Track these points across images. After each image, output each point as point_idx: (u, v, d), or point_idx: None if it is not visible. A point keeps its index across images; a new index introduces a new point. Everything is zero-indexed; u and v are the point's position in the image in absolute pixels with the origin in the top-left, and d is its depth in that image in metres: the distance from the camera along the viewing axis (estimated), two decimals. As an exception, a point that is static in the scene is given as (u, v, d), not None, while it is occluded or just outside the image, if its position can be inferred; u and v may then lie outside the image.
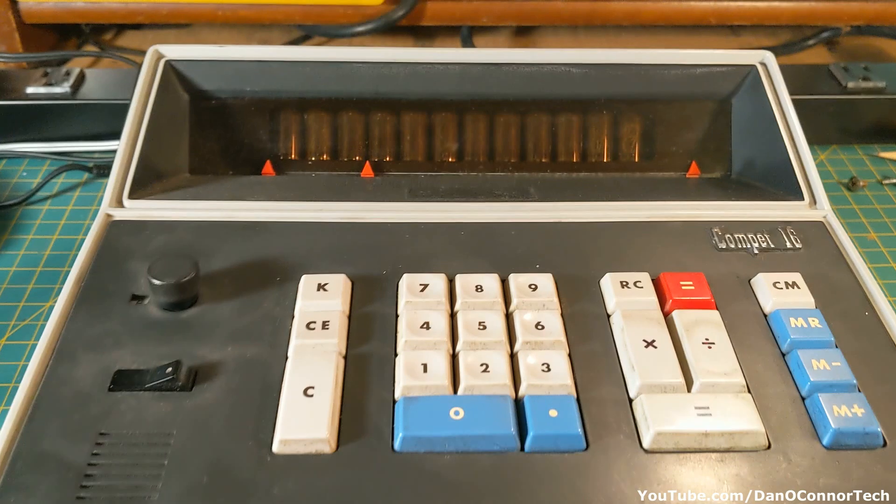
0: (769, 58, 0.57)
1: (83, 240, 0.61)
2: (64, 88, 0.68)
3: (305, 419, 0.38)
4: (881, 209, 0.68)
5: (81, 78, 0.70)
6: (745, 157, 0.56)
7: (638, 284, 0.45)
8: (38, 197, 0.65)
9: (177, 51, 0.56)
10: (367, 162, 0.56)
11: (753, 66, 0.57)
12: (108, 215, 0.49)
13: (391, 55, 0.56)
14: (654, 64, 0.57)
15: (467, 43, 0.83)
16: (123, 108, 0.61)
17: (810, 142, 0.73)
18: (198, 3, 0.77)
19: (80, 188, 0.67)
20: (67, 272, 0.57)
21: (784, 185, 0.53)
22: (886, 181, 0.70)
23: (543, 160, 0.57)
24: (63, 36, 0.85)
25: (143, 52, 0.82)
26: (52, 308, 0.55)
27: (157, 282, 0.43)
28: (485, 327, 0.42)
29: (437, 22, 0.80)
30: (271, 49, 0.56)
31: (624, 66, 0.57)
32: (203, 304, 0.44)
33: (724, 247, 0.49)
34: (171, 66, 0.56)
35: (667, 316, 0.44)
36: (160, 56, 0.56)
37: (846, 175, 0.71)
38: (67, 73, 0.70)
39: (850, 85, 0.71)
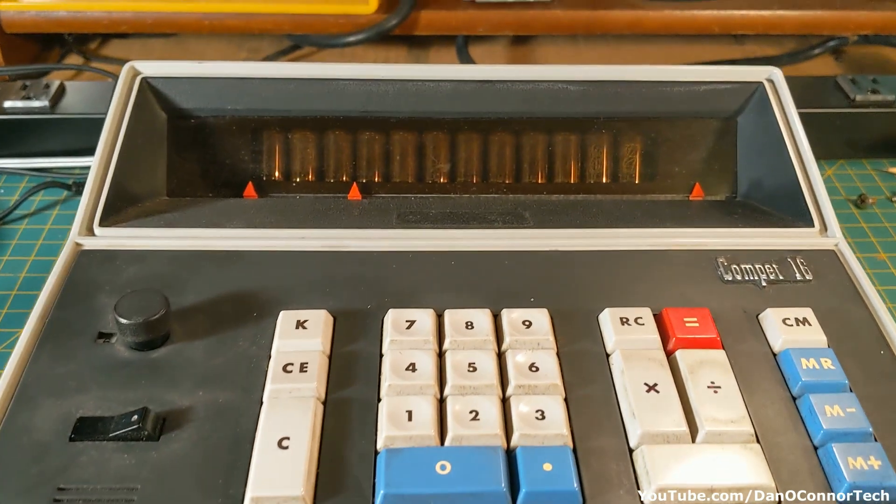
0: (776, 74, 0.54)
1: (61, 262, 0.59)
2: (42, 102, 0.65)
3: (279, 474, 0.35)
4: (891, 227, 0.65)
5: (61, 91, 0.67)
6: (752, 178, 0.53)
7: (639, 321, 0.42)
8: (16, 215, 0.63)
9: (154, 67, 0.53)
10: (355, 183, 0.53)
11: (760, 83, 0.54)
12: (77, 244, 0.46)
13: (380, 72, 0.53)
14: (656, 81, 0.54)
15: (463, 53, 0.80)
16: (103, 123, 0.59)
17: (817, 156, 0.70)
18: (183, 11, 0.75)
19: (58, 206, 0.64)
20: (44, 296, 0.55)
21: (793, 210, 0.50)
22: (896, 198, 0.67)
23: (539, 181, 0.54)
24: (46, 45, 0.82)
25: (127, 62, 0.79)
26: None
27: (124, 320, 0.39)
28: (475, 369, 0.39)
29: (432, 31, 0.77)
30: (253, 65, 0.53)
31: (624, 83, 0.54)
32: (174, 343, 0.41)
33: (730, 278, 0.45)
34: (147, 84, 0.52)
35: (670, 355, 0.41)
36: (136, 73, 0.53)
37: (854, 191, 0.68)
38: (47, 87, 0.67)
39: (859, 98, 0.68)
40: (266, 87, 0.53)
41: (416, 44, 0.84)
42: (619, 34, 0.82)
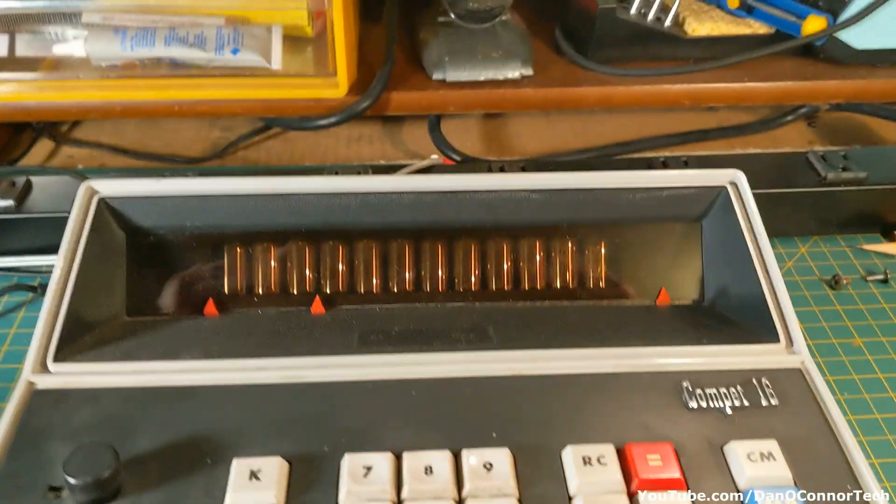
0: (740, 177, 0.53)
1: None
2: (7, 202, 0.64)
3: None
4: (866, 310, 0.64)
5: (28, 189, 0.65)
6: (718, 284, 0.52)
7: (602, 460, 0.41)
8: (-20, 319, 0.61)
9: (111, 186, 0.51)
10: (318, 296, 0.52)
11: (723, 188, 0.53)
12: (31, 383, 0.45)
13: (342, 184, 0.52)
14: (618, 188, 0.52)
15: (435, 130, 0.79)
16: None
17: (790, 234, 0.69)
18: (152, 99, 0.73)
19: (24, 308, 0.63)
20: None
21: (758, 322, 0.49)
22: (871, 277, 0.66)
23: (505, 288, 0.53)
24: (17, 130, 0.81)
25: (99, 146, 0.78)
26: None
27: (73, 480, 0.38)
28: (433, 523, 0.38)
29: (404, 111, 0.76)
30: (213, 181, 0.52)
31: (586, 191, 0.52)
32: (125, 497, 0.40)
33: (694, 406, 0.44)
34: (105, 203, 0.51)
35: (632, 496, 0.40)
36: (93, 192, 0.51)
37: (828, 270, 0.67)
38: (13, 184, 0.66)
39: (830, 176, 0.67)
40: (226, 203, 0.52)
41: (390, 119, 0.83)
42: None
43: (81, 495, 0.39)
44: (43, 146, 0.79)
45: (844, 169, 0.68)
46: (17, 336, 0.60)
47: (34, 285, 0.63)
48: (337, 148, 0.81)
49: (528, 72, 0.76)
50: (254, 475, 0.40)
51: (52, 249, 0.62)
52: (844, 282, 0.65)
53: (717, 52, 0.77)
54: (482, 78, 0.75)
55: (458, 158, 0.77)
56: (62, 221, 0.61)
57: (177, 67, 0.73)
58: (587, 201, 0.52)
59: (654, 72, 0.76)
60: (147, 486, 0.40)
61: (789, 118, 0.82)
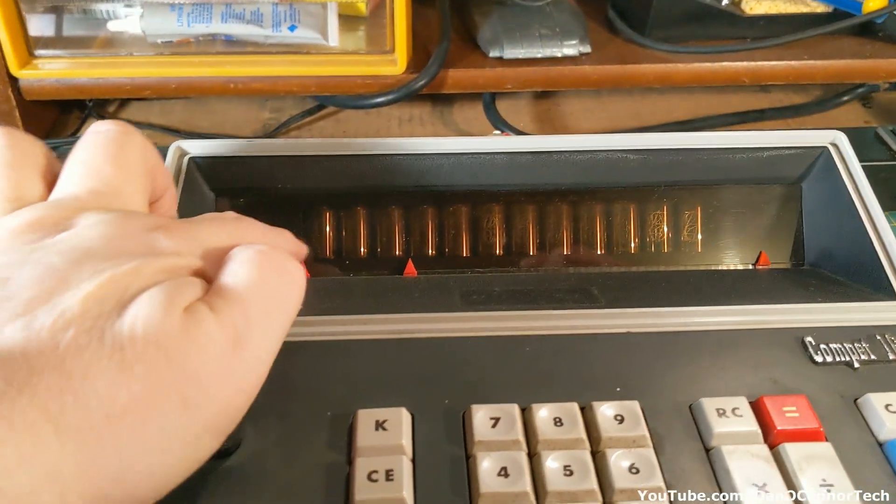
0: (841, 138, 0.52)
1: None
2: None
3: None
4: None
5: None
6: (820, 246, 0.51)
7: (737, 412, 0.39)
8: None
9: (200, 146, 0.50)
10: (410, 259, 0.51)
11: (825, 148, 0.52)
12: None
13: (433, 145, 0.50)
14: (717, 148, 0.51)
15: (490, 109, 0.78)
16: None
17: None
18: (208, 76, 0.72)
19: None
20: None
21: (871, 281, 0.47)
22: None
23: (600, 253, 0.51)
24: (65, 110, 0.79)
25: (149, 126, 0.77)
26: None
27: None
28: (571, 473, 0.37)
29: (460, 90, 0.75)
30: (301, 143, 0.50)
31: (684, 150, 0.51)
32: (248, 449, 0.38)
33: (821, 360, 0.43)
34: (194, 164, 0.50)
35: (772, 448, 0.38)
36: (183, 153, 0.50)
37: (902, 246, 0.66)
38: (72, 157, 0.64)
39: (903, 150, 0.66)
40: (315, 164, 0.50)
41: (441, 100, 0.81)
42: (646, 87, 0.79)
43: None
44: (91, 126, 0.78)
45: (916, 143, 0.67)
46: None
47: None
48: (389, 129, 0.79)
49: (586, 49, 0.75)
50: (380, 426, 0.38)
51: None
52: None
53: (774, 30, 0.77)
54: (540, 55, 0.74)
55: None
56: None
57: (232, 45, 0.73)
58: (685, 162, 0.51)
59: (714, 49, 0.76)
60: (269, 439, 0.38)
61: (846, 98, 0.81)
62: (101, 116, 0.79)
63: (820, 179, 0.52)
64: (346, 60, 0.73)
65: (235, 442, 0.38)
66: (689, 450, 0.38)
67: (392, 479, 0.36)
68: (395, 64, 0.72)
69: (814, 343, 0.44)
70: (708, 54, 0.76)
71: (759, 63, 0.76)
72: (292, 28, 0.72)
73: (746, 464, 0.37)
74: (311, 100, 0.79)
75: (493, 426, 0.38)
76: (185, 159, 0.50)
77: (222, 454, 0.37)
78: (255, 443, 0.38)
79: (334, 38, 0.73)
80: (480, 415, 0.39)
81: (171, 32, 0.72)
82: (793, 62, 0.76)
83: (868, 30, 0.79)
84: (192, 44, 0.73)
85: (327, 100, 0.78)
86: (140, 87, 0.73)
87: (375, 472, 0.36)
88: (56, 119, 0.78)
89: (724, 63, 0.76)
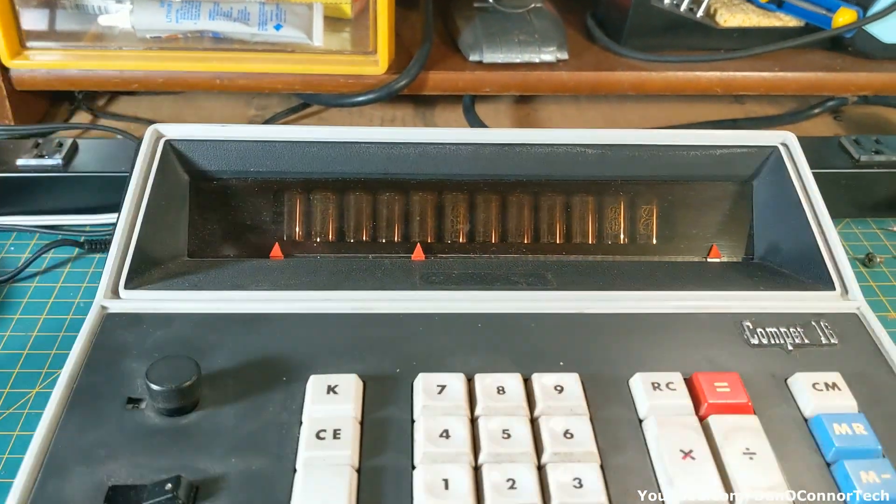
0: (790, 138, 0.55)
1: (73, 320, 0.58)
2: (55, 160, 0.65)
3: (318, 544, 0.34)
4: (900, 287, 0.65)
5: (74, 149, 0.66)
6: (769, 241, 0.53)
7: (670, 386, 0.42)
8: (27, 273, 0.62)
9: (176, 130, 0.53)
10: (375, 244, 0.53)
11: (775, 147, 0.54)
12: (103, 307, 0.46)
13: (401, 135, 0.53)
14: (672, 145, 0.54)
15: (470, 112, 0.81)
16: (116, 181, 0.58)
17: (822, 216, 0.71)
18: (195, 71, 0.74)
19: (70, 264, 0.63)
20: (56, 355, 0.54)
21: (812, 273, 0.50)
22: (903, 257, 0.67)
23: (558, 242, 0.54)
24: (55, 102, 0.82)
25: (137, 120, 0.79)
26: (38, 395, 0.51)
27: (156, 387, 0.39)
28: (509, 436, 0.39)
29: (440, 91, 0.77)
30: (276, 129, 0.53)
31: (641, 146, 0.54)
32: (204, 409, 0.40)
33: (756, 342, 0.45)
34: (170, 146, 0.52)
35: (702, 420, 0.41)
36: (160, 135, 0.53)
37: (861, 250, 0.68)
38: (60, 144, 0.66)
39: (863, 158, 0.69)
40: (288, 150, 0.53)
41: (423, 102, 0.84)
42: (622, 94, 0.82)
43: (163, 403, 0.39)
44: (80, 119, 0.80)
45: (877, 152, 0.69)
46: (62, 289, 0.61)
47: (80, 241, 0.63)
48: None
49: (564, 55, 0.78)
50: (331, 389, 0.41)
51: (98, 209, 0.64)
52: (878, 260, 0.66)
53: (747, 42, 0.80)
54: (518, 60, 0.77)
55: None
56: (108, 181, 0.63)
57: (219, 41, 0.75)
58: (641, 158, 0.53)
59: (688, 59, 0.78)
60: (225, 400, 0.41)
61: (817, 111, 0.84)
62: (91, 109, 0.81)
63: (770, 177, 0.54)
64: (329, 60, 0.76)
65: (192, 401, 0.40)
66: (624, 419, 0.41)
67: (339, 438, 0.38)
68: (377, 64, 0.75)
69: (751, 327, 0.46)
70: (681, 63, 0.78)
71: (732, 74, 0.79)
72: (278, 27, 0.75)
73: (675, 432, 0.39)
74: (296, 98, 0.82)
75: (440, 393, 0.41)
76: (161, 142, 0.52)
77: (179, 411, 0.40)
78: (212, 402, 0.41)
79: (319, 38, 0.75)
80: (427, 382, 0.41)
81: (160, 28, 0.75)
82: (764, 73, 0.79)
83: (838, 44, 0.82)
84: (180, 40, 0.76)
85: (311, 98, 0.80)
86: (128, 80, 0.75)
87: (323, 430, 0.39)
88: (46, 111, 0.81)
89: (698, 73, 0.79)
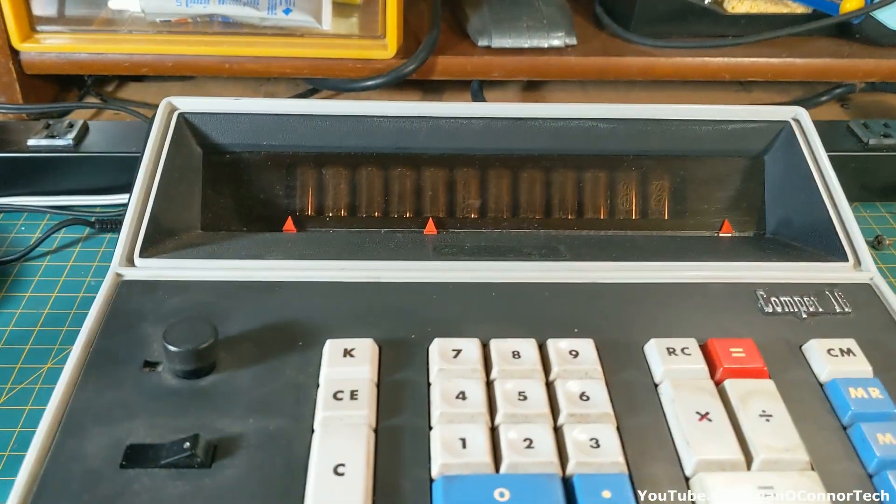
0: (802, 114, 0.55)
1: (84, 298, 0.58)
2: (66, 141, 0.65)
3: (338, 499, 0.34)
4: (910, 268, 0.65)
5: (85, 130, 0.66)
6: (780, 215, 0.53)
7: (686, 351, 0.42)
8: (37, 253, 0.62)
9: (190, 103, 0.53)
10: (389, 217, 0.53)
11: (787, 123, 0.54)
12: (118, 275, 0.46)
13: (412, 109, 0.53)
14: (684, 120, 0.54)
15: (478, 97, 0.81)
16: (127, 162, 0.58)
17: (831, 199, 0.71)
18: (204, 55, 0.75)
19: (80, 244, 0.63)
20: (67, 332, 0.54)
21: (825, 246, 0.50)
22: (913, 240, 0.67)
23: (570, 217, 0.54)
24: (64, 87, 0.82)
25: (146, 105, 0.79)
26: (50, 370, 0.51)
27: (173, 348, 0.39)
28: (525, 398, 0.39)
29: (448, 76, 0.78)
30: (288, 102, 0.53)
31: (653, 121, 0.54)
32: (221, 372, 0.41)
33: (770, 311, 0.45)
34: (184, 119, 0.52)
35: (718, 385, 0.41)
36: (173, 108, 0.53)
37: (870, 233, 0.68)
38: (70, 126, 0.67)
39: (872, 142, 0.69)
40: (301, 124, 0.53)
41: (431, 88, 0.84)
42: (629, 80, 0.82)
43: (180, 364, 0.39)
44: (92, 102, 0.80)
45: (885, 136, 0.69)
46: (73, 269, 0.61)
47: (91, 221, 0.64)
48: (379, 115, 0.82)
49: (572, 41, 0.78)
50: (347, 353, 0.41)
51: (109, 190, 0.64)
52: (887, 242, 0.67)
53: (755, 29, 0.80)
54: (526, 45, 0.77)
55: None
56: (119, 161, 0.63)
57: (229, 25, 0.75)
58: (654, 132, 0.54)
59: (696, 44, 0.78)
60: (242, 363, 0.41)
61: (824, 98, 0.84)
62: (100, 95, 0.81)
63: (782, 152, 0.54)
64: (338, 44, 0.76)
65: (209, 363, 0.40)
66: (639, 384, 0.41)
67: (356, 399, 0.38)
68: (385, 49, 0.75)
69: (765, 296, 0.46)
70: (689, 49, 0.79)
71: (739, 59, 0.79)
72: (287, 11, 0.75)
73: (691, 395, 0.39)
74: (304, 83, 0.82)
75: (455, 356, 0.41)
76: (175, 115, 0.52)
77: (196, 373, 0.40)
78: (228, 365, 0.41)
79: (328, 21, 0.76)
80: (443, 346, 0.41)
81: (170, 12, 0.75)
82: (772, 59, 0.79)
83: (846, 31, 0.82)
84: (190, 24, 0.76)
85: (319, 83, 0.80)
86: (138, 64, 0.75)
87: (341, 391, 0.39)
88: (56, 95, 0.81)
89: (705, 59, 0.79)
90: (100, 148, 0.66)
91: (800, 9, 0.80)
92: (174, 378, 0.40)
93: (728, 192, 0.55)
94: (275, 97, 0.82)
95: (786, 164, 0.54)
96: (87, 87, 0.82)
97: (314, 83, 0.81)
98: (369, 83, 0.76)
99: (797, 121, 0.55)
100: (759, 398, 0.39)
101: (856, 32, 0.81)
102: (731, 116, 0.54)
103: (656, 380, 0.41)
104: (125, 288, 0.45)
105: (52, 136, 0.65)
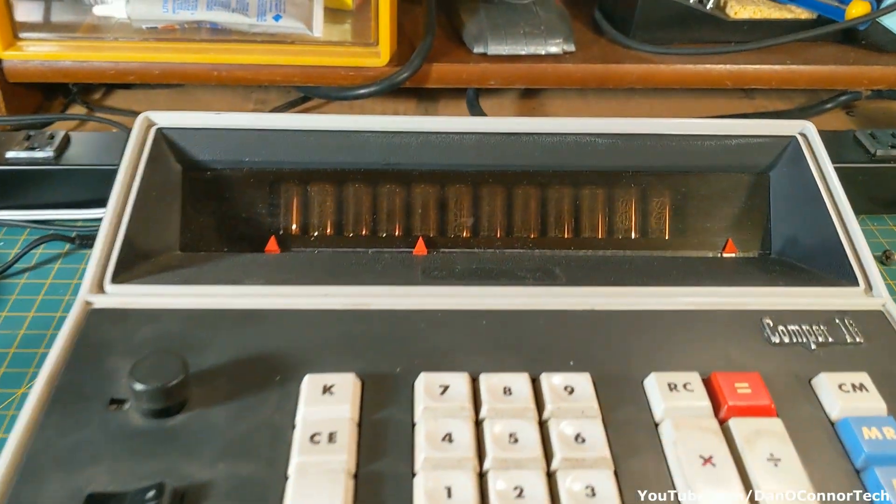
0: (810, 128, 0.52)
1: (62, 318, 0.55)
2: (47, 153, 0.62)
3: (312, 556, 0.31)
4: (919, 285, 0.62)
5: (66, 142, 0.64)
6: (787, 235, 0.50)
7: (688, 387, 0.39)
8: (15, 269, 0.59)
9: (169, 118, 0.50)
10: (377, 237, 0.50)
11: (793, 137, 0.51)
12: (87, 303, 0.43)
13: (402, 124, 0.50)
14: (686, 134, 0.51)
15: (473, 105, 0.78)
16: (110, 174, 0.55)
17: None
18: (192, 62, 0.72)
19: (60, 260, 0.61)
20: (44, 354, 0.51)
21: (834, 268, 0.47)
22: (922, 255, 0.65)
23: (566, 236, 0.51)
24: (49, 95, 0.79)
25: (133, 113, 0.76)
26: (24, 396, 0.48)
27: (140, 386, 0.36)
28: (516, 440, 0.36)
29: (443, 84, 0.75)
30: (272, 117, 0.50)
31: (653, 136, 0.51)
32: (192, 410, 0.38)
33: (777, 341, 0.42)
34: (162, 135, 0.49)
35: (722, 423, 0.38)
36: (151, 123, 0.50)
37: (878, 247, 0.65)
38: (51, 137, 0.64)
39: (880, 153, 0.66)
40: (285, 140, 0.50)
41: (425, 96, 0.81)
42: (629, 88, 0.79)
43: (148, 403, 0.36)
44: (74, 113, 0.78)
45: (893, 146, 0.66)
46: (52, 286, 0.58)
47: (72, 237, 0.61)
48: (373, 124, 0.79)
49: (571, 48, 0.75)
50: (327, 389, 0.38)
51: (90, 203, 0.61)
52: (895, 258, 0.64)
53: (758, 35, 0.77)
54: (524, 52, 0.75)
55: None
56: (101, 174, 0.60)
57: (217, 32, 0.72)
58: (654, 148, 0.51)
59: (698, 51, 0.76)
60: (214, 401, 0.38)
61: (829, 105, 0.81)
62: (86, 103, 0.78)
63: (788, 168, 0.51)
64: (329, 51, 0.73)
65: (179, 402, 0.37)
66: (639, 422, 0.38)
67: (334, 442, 0.35)
68: (378, 56, 0.72)
69: (771, 324, 0.43)
70: (691, 56, 0.76)
71: (743, 66, 0.76)
72: (277, 18, 0.72)
73: (694, 436, 0.36)
74: (296, 91, 0.79)
75: (442, 393, 0.38)
76: (153, 130, 0.49)
77: (165, 412, 0.37)
78: (200, 403, 0.38)
79: (319, 28, 0.73)
80: (429, 382, 0.39)
81: (157, 18, 0.72)
82: (776, 66, 0.76)
83: (851, 37, 0.79)
84: (178, 30, 0.73)
85: (311, 91, 0.77)
86: (124, 72, 0.73)
87: (318, 434, 0.36)
88: (40, 104, 0.78)
89: (707, 65, 0.76)
90: (81, 160, 0.63)
91: (804, 14, 0.77)
92: (141, 417, 0.37)
93: (732, 209, 0.52)
94: (266, 105, 0.79)
95: (792, 181, 0.51)
96: (72, 96, 0.79)
97: (305, 91, 0.78)
98: (362, 91, 0.73)
99: (804, 135, 0.52)
100: (766, 439, 0.36)
101: (862, 38, 0.78)
102: (735, 131, 0.51)
103: (657, 418, 0.38)
104: (94, 317, 0.42)
105: (33, 148, 0.62)
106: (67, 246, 0.61)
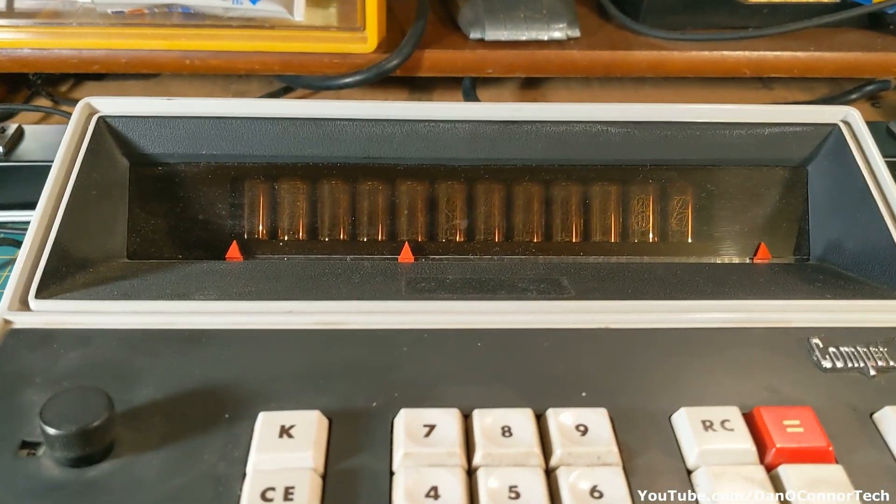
0: (854, 115, 0.45)
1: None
2: (-5, 148, 0.55)
3: None
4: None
5: (19, 136, 0.57)
6: (829, 238, 0.43)
7: (726, 425, 0.31)
8: (-40, 278, 0.52)
9: (114, 104, 0.43)
10: (355, 242, 0.43)
11: (835, 126, 0.44)
12: (7, 321, 0.36)
13: (385, 111, 0.43)
14: (711, 122, 0.44)
15: (470, 96, 0.71)
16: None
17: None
18: (162, 49, 0.65)
19: (9, 267, 0.53)
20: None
21: (886, 276, 0.40)
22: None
23: (574, 241, 0.44)
24: (13, 87, 0.72)
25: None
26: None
27: (52, 430, 0.28)
28: (518, 495, 0.29)
29: (437, 73, 0.68)
30: (233, 103, 0.43)
31: (673, 124, 0.44)
32: (119, 457, 0.30)
33: (829, 366, 0.35)
34: (105, 124, 0.42)
35: (769, 470, 0.30)
36: (93, 111, 0.43)
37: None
38: (2, 130, 0.57)
39: (918, 144, 0.59)
40: (248, 129, 0.43)
41: (418, 86, 0.75)
42: (638, 77, 0.72)
43: (61, 451, 0.29)
44: (39, 105, 0.71)
45: (931, 138, 0.59)
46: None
47: (21, 241, 0.53)
48: (361, 116, 0.72)
49: (575, 33, 0.69)
50: (285, 431, 0.30)
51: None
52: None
53: (779, 19, 0.71)
54: (524, 38, 0.69)
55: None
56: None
57: (189, 17, 0.66)
58: (675, 138, 0.44)
59: (713, 36, 0.69)
60: (148, 445, 0.30)
61: (854, 96, 0.74)
62: (51, 95, 0.71)
63: (829, 162, 0.44)
64: (312, 37, 0.66)
65: (103, 446, 0.30)
66: (668, 471, 0.31)
67: (291, 499, 0.28)
68: (365, 42, 0.65)
69: (821, 346, 0.36)
70: (706, 42, 0.69)
71: (762, 53, 0.69)
72: (254, 1, 0.65)
73: (737, 489, 0.29)
74: (277, 81, 0.72)
75: (427, 435, 0.30)
76: (95, 118, 0.42)
77: (85, 461, 0.29)
78: (130, 448, 0.30)
79: (300, 12, 0.66)
80: (411, 420, 0.31)
81: (123, 2, 0.65)
82: (798, 53, 0.69)
83: (878, 22, 0.72)
84: (146, 15, 0.66)
85: (292, 80, 0.70)
86: (88, 60, 0.66)
87: (272, 489, 0.28)
88: (2, 98, 0.71)
89: (724, 52, 0.69)
90: (34, 156, 0.57)
91: (828, -4, 0.70)
92: (57, 466, 0.30)
93: (765, 209, 0.45)
94: (245, 96, 0.72)
95: (834, 176, 0.44)
96: (36, 87, 0.72)
97: (287, 81, 0.71)
98: (348, 80, 0.67)
99: (847, 123, 0.44)
100: (825, 492, 0.29)
101: (889, 23, 0.72)
102: (767, 118, 0.44)
103: (690, 465, 0.31)
104: (11, 340, 0.35)
105: (-20, 143, 0.55)
106: (17, 251, 0.54)
